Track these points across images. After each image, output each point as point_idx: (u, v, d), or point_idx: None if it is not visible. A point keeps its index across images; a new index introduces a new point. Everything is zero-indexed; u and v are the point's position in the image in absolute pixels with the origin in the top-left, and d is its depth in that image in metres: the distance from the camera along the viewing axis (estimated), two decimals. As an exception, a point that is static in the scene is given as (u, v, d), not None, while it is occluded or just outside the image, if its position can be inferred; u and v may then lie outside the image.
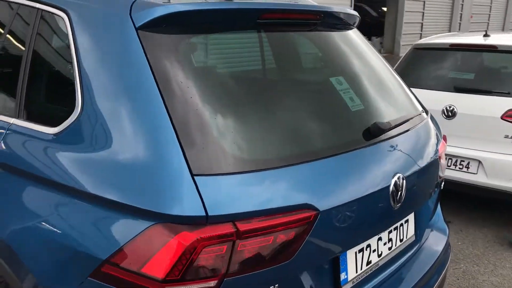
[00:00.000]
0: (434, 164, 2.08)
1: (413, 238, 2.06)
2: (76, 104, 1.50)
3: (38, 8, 1.80)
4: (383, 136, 1.79)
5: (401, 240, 1.96)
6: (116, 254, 1.31)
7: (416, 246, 2.09)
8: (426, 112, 2.28)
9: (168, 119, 1.35)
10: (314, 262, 1.54)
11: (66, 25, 1.63)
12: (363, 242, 1.72)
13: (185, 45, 1.54)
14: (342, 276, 1.65)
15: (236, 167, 1.36)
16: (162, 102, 1.37)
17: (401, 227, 1.96)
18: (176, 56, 1.48)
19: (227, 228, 1.29)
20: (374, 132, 1.75)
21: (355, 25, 2.18)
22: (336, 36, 2.03)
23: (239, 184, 1.36)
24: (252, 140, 1.49)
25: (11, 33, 1.96)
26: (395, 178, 1.73)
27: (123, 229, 1.33)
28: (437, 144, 2.16)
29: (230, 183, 1.34)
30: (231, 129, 1.45)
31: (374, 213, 1.69)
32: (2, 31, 2.00)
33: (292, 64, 2.03)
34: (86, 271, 1.36)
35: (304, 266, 1.49)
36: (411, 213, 2.00)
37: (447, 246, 2.29)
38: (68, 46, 1.59)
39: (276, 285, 1.41)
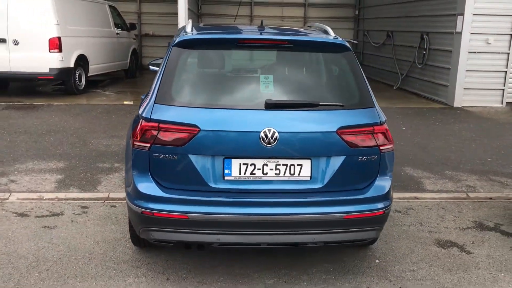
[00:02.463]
0: (326, 136, 3.22)
1: (308, 178, 3.27)
2: None
3: None
4: (273, 108, 3.21)
5: (291, 174, 3.26)
6: (134, 130, 3.42)
7: (312, 185, 3.28)
8: (343, 105, 3.33)
9: (160, 81, 3.37)
10: (203, 154, 3.19)
11: None
12: (244, 159, 3.21)
13: (187, 52, 3.49)
14: (226, 171, 3.22)
15: (172, 103, 3.26)
16: (162, 75, 3.40)
17: (292, 167, 3.25)
18: (182, 56, 3.46)
19: (155, 125, 3.22)
20: (266, 104, 3.21)
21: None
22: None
23: (169, 110, 3.25)
24: (186, 94, 3.33)
25: None
26: (266, 129, 3.15)
27: (137, 120, 3.45)
28: (337, 126, 3.23)
29: (165, 108, 3.25)
30: (183, 90, 3.36)
31: (247, 143, 3.17)
32: None
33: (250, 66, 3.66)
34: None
35: (194, 152, 3.17)
36: (300, 159, 3.24)
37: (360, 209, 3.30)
38: None
39: (175, 156, 3.22)
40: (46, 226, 4.43)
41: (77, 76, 10.99)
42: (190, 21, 3.95)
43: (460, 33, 10.17)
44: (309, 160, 3.27)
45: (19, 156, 6.46)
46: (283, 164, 3.26)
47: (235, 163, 3.23)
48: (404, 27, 13.00)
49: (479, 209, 5.24)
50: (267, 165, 3.25)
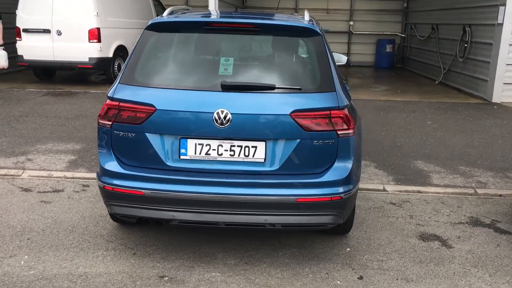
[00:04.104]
0: (280, 119, 3.22)
1: (262, 160, 3.30)
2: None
3: None
4: (229, 90, 3.26)
5: (246, 156, 3.30)
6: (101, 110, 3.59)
7: (267, 168, 3.30)
8: (300, 88, 3.35)
9: (127, 62, 3.50)
10: (159, 133, 3.29)
11: None
12: (199, 139, 3.28)
13: (157, 35, 3.60)
14: (182, 151, 3.31)
15: (133, 83, 3.40)
16: (130, 56, 3.53)
17: (247, 148, 3.29)
18: (151, 39, 3.58)
19: (116, 103, 3.36)
20: (221, 86, 3.27)
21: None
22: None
23: (129, 89, 3.38)
24: (147, 75, 3.44)
25: None
26: (219, 110, 3.20)
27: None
28: (291, 109, 3.23)
29: (127, 88, 3.39)
30: (146, 71, 3.46)
31: (201, 124, 3.24)
32: None
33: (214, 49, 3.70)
34: None
35: (151, 131, 3.29)
36: (255, 141, 3.26)
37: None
38: None
39: (133, 134, 3.34)
40: (43, 201, 4.72)
41: (116, 66, 11.45)
42: (172, 7, 4.06)
43: (502, 24, 9.64)
44: (263, 143, 3.30)
45: (42, 137, 6.87)
46: (238, 146, 3.31)
47: (191, 143, 3.32)
48: (448, 20, 12.49)
49: (481, 205, 5.02)
50: (222, 146, 3.31)
